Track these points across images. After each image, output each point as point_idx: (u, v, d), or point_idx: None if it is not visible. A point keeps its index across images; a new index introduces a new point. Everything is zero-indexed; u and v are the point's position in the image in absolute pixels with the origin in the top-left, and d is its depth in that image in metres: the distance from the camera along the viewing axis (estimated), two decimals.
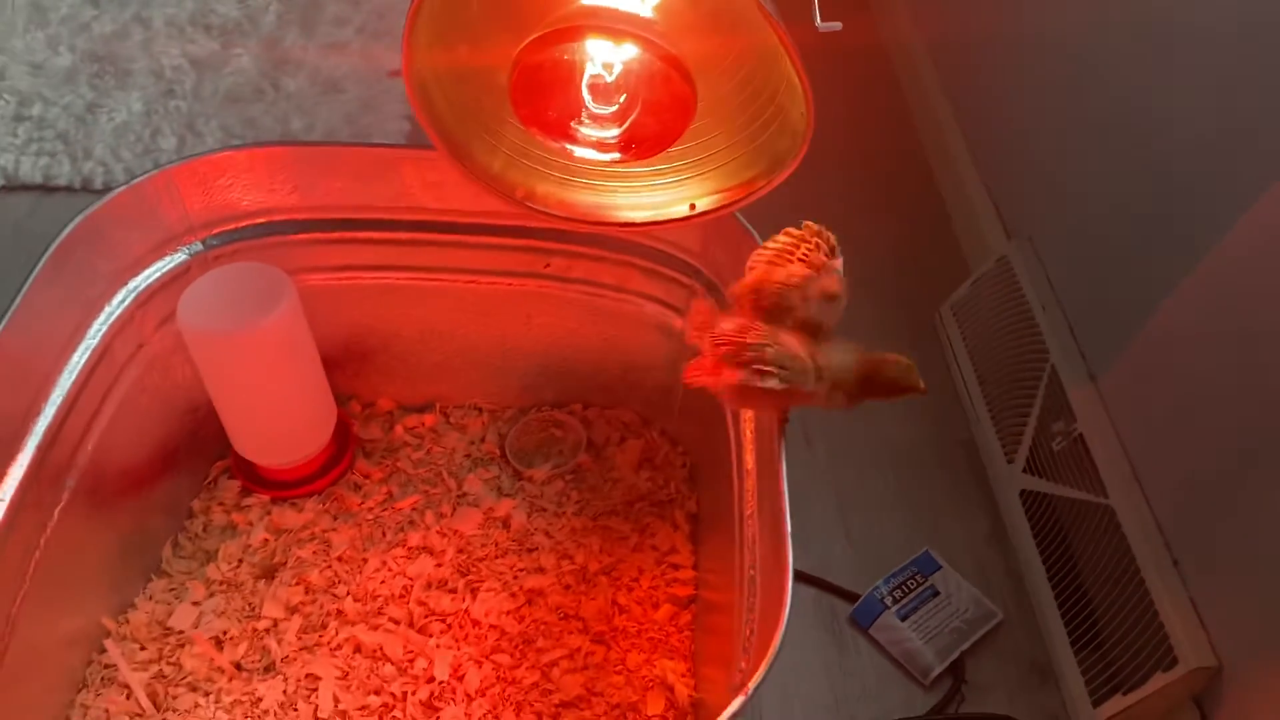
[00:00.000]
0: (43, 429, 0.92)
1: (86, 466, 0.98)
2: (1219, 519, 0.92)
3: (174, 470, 1.12)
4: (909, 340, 1.38)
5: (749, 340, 0.79)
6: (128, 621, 1.02)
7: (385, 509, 1.13)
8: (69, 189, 1.52)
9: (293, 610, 1.04)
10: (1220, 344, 0.93)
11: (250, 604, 1.04)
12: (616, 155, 0.87)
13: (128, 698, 0.97)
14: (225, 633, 1.02)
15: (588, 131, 0.85)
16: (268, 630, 1.02)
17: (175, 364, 1.08)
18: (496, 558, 1.09)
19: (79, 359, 0.97)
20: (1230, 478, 0.91)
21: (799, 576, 1.13)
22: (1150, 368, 1.03)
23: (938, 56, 1.62)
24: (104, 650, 0.99)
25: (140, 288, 1.03)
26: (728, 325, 0.82)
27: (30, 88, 1.66)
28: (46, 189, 1.53)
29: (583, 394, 1.24)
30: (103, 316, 1.00)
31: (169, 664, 1.00)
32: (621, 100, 0.83)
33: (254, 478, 1.14)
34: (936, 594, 1.10)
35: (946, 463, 1.25)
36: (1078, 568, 1.07)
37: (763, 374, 0.78)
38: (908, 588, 1.10)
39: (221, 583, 1.06)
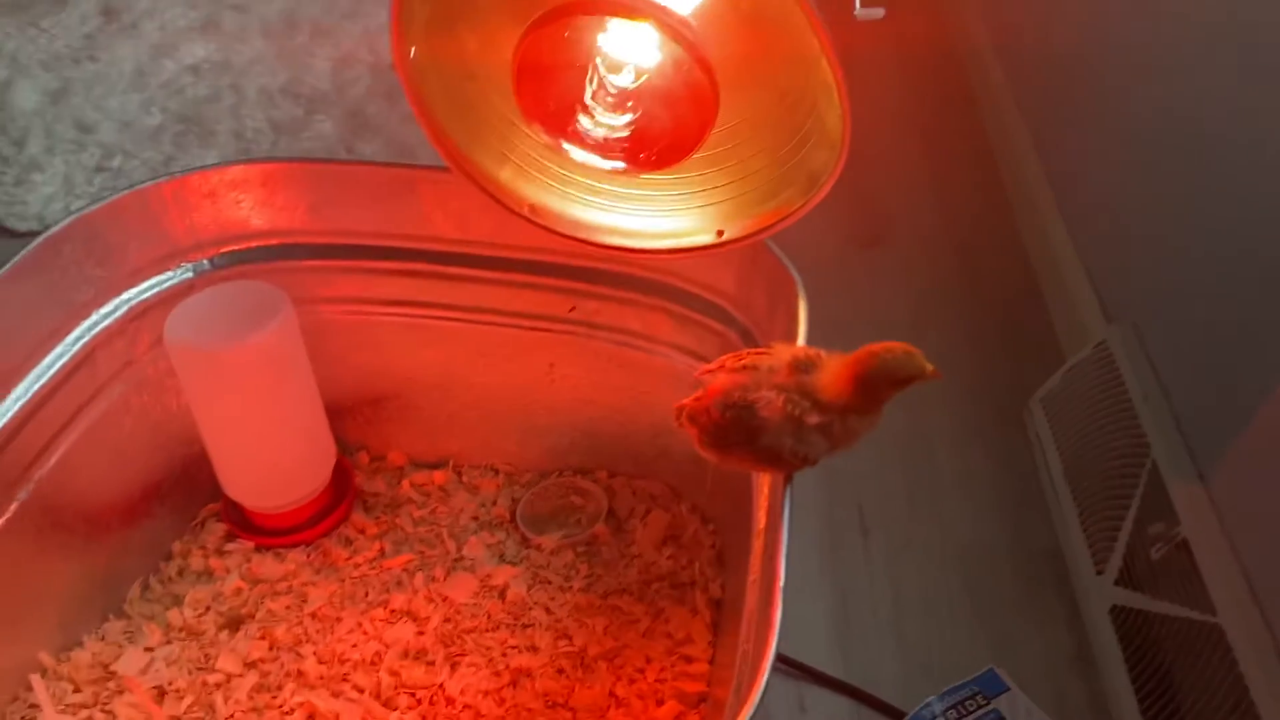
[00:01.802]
0: None
1: (43, 481, 0.90)
2: None
3: (158, 507, 1.03)
4: (995, 436, 1.21)
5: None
6: (69, 659, 0.91)
7: (374, 567, 1.01)
8: None
9: (250, 666, 0.92)
10: None
11: (207, 655, 0.93)
12: (621, 164, 0.77)
13: None
14: (171, 684, 0.90)
15: (591, 127, 0.76)
16: (218, 685, 0.91)
17: (170, 388, 1.01)
18: (486, 630, 0.96)
19: (52, 363, 0.90)
20: None
21: (837, 685, 0.97)
22: (1270, 467, 0.86)
23: (1028, 114, 1.50)
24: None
25: (135, 300, 0.97)
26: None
27: (116, 142, 1.68)
28: None
29: (609, 460, 1.11)
30: (87, 323, 0.93)
31: (102, 710, 0.88)
32: (632, 81, 0.73)
33: (242, 523, 1.04)
34: None
35: (1024, 570, 1.06)
36: (1177, 699, 0.87)
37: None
38: (965, 709, 0.92)
39: (181, 629, 0.96)
